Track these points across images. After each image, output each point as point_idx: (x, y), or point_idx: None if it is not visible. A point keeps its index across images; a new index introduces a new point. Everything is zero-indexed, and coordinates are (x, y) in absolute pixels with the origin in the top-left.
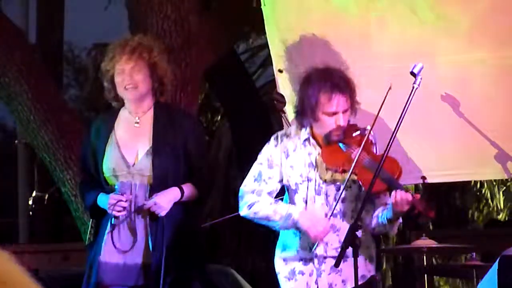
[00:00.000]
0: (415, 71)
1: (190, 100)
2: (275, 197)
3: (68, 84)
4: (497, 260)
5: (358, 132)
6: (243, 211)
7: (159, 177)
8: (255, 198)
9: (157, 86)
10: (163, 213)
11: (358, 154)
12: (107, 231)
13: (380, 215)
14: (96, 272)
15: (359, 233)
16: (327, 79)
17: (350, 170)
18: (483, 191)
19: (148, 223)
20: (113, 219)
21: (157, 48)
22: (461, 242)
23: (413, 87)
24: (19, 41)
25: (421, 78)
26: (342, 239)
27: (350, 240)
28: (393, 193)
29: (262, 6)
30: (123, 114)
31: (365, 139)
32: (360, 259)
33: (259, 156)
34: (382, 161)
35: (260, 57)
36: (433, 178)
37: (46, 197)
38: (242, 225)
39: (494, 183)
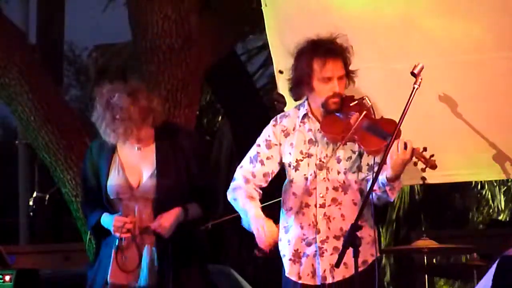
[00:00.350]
0: (416, 71)
1: (190, 100)
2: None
3: (69, 84)
4: (497, 261)
5: (355, 102)
6: (228, 194)
7: (163, 199)
8: (242, 184)
9: (154, 122)
10: (167, 234)
11: (359, 118)
12: (112, 254)
13: (380, 178)
14: None
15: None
16: (319, 46)
17: (350, 132)
18: (484, 192)
19: (155, 244)
20: (117, 240)
21: (141, 100)
22: (462, 242)
23: (413, 88)
24: (20, 42)
25: (421, 79)
26: (345, 213)
27: (351, 241)
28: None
29: (262, 7)
30: None
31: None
32: (362, 243)
33: (258, 138)
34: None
35: (261, 57)
36: (432, 179)
37: (47, 198)
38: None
39: (495, 184)
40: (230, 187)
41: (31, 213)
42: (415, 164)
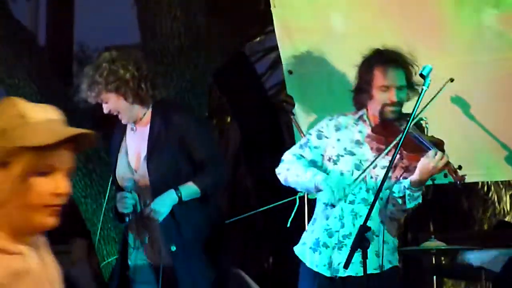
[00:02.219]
0: (425, 73)
1: (199, 101)
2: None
3: (78, 85)
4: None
5: (412, 118)
6: (279, 169)
7: (156, 182)
8: (293, 158)
9: (137, 99)
10: (160, 218)
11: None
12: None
13: (404, 182)
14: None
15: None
16: (382, 54)
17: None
18: (490, 195)
19: (159, 227)
20: (126, 219)
21: (121, 69)
22: (470, 243)
23: (422, 89)
24: (29, 43)
25: (430, 80)
26: (372, 214)
27: (359, 243)
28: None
29: (271, 8)
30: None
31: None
32: (382, 249)
33: (312, 128)
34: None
35: (270, 58)
36: (443, 179)
37: None
38: (249, 226)
39: (501, 186)
40: (280, 165)
41: None
42: (445, 176)
